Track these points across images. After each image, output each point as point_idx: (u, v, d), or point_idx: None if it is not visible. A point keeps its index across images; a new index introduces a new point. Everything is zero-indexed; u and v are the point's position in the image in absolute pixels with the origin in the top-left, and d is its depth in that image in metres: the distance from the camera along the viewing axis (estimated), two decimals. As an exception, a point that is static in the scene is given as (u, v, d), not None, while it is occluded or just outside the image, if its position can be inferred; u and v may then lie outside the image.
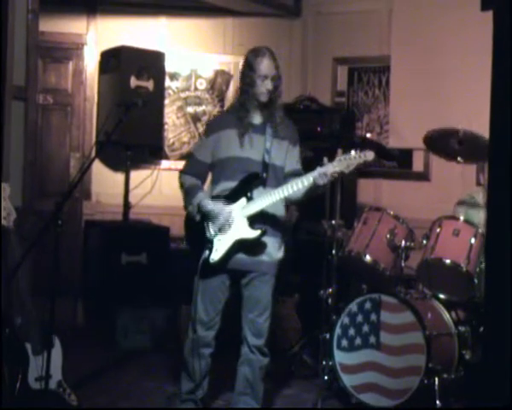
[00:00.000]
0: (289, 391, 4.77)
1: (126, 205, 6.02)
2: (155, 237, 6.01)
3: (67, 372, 4.01)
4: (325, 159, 3.80)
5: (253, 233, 3.84)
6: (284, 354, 5.21)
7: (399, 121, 6.35)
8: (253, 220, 3.85)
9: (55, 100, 6.47)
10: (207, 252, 3.86)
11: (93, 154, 5.95)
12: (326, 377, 4.60)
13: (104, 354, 5.33)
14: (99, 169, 6.42)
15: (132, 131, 5.74)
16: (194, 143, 4.11)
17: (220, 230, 3.86)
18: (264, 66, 3.89)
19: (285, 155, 3.98)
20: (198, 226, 3.93)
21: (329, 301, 4.85)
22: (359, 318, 4.50)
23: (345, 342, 4.52)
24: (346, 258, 4.83)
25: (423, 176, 6.34)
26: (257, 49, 3.97)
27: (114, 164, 6.42)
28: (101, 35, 6.51)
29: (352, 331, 4.50)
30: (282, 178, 3.94)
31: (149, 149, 6.54)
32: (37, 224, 4.68)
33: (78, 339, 5.46)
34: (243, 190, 3.87)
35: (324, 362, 4.67)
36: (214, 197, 3.93)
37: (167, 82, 6.60)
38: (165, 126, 6.64)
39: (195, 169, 4.03)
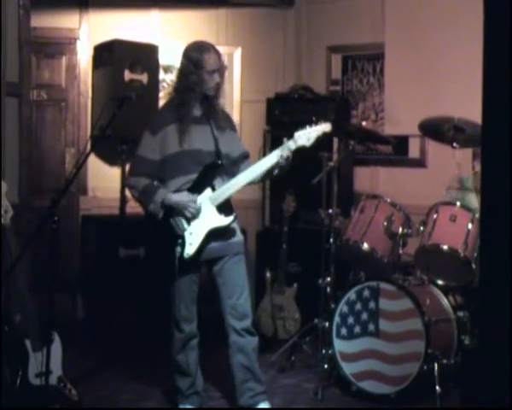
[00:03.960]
0: (289, 381, 4.78)
1: (123, 199, 6.00)
2: (153, 231, 5.99)
3: (67, 368, 4.03)
4: (284, 139, 3.86)
5: (225, 220, 3.90)
6: (284, 344, 5.22)
7: (394, 108, 6.33)
8: (221, 207, 3.90)
9: (48, 95, 6.44)
10: (179, 248, 3.86)
11: (88, 149, 5.94)
12: (326, 366, 4.61)
13: (104, 348, 5.34)
14: (95, 164, 6.39)
15: (127, 124, 5.70)
16: (139, 145, 4.07)
17: (190, 223, 3.87)
18: (212, 61, 3.92)
19: (229, 142, 4.04)
20: (162, 225, 3.93)
21: (328, 289, 4.86)
22: (358, 306, 4.51)
23: (344, 331, 4.53)
24: (343, 246, 4.84)
25: (419, 162, 6.34)
26: (199, 46, 3.98)
27: (110, 158, 6.40)
28: (93, 29, 6.48)
29: (350, 319, 4.51)
30: (231, 164, 4.01)
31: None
32: (34, 220, 4.69)
33: (77, 334, 5.48)
34: (206, 181, 3.90)
35: (324, 351, 4.69)
36: (175, 192, 3.93)
37: (161, 75, 6.56)
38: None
39: (145, 169, 3.99)
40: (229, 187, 3.90)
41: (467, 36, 5.59)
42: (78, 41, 6.50)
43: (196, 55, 3.93)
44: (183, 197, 3.88)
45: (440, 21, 6.00)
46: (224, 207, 3.92)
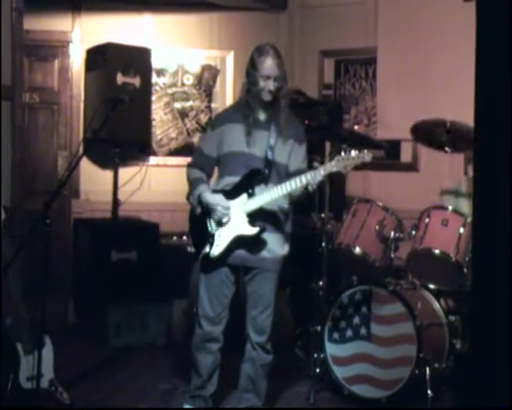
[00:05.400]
0: (281, 384, 4.77)
1: (115, 202, 6.00)
2: (145, 234, 6.00)
3: (59, 371, 4.02)
4: (315, 163, 3.80)
5: (251, 230, 3.83)
6: (276, 348, 5.21)
7: (387, 113, 6.35)
8: (254, 217, 3.84)
9: (41, 98, 6.44)
10: (208, 246, 3.87)
11: (81, 152, 5.94)
12: (318, 370, 4.61)
13: (96, 351, 5.32)
14: (87, 167, 6.39)
15: (120, 127, 5.72)
16: (201, 137, 4.08)
17: (220, 224, 3.86)
18: (267, 66, 3.85)
19: (289, 153, 3.95)
20: (201, 220, 3.92)
21: (320, 293, 4.86)
22: (350, 310, 4.52)
23: (336, 335, 4.53)
24: (335, 250, 4.84)
25: (411, 167, 6.36)
26: (261, 48, 3.92)
27: (102, 161, 6.40)
28: (86, 32, 6.48)
29: (342, 323, 4.52)
30: (285, 176, 3.90)
31: (137, 146, 6.52)
32: (27, 223, 4.68)
33: (69, 337, 5.45)
34: (245, 186, 3.85)
35: (316, 355, 4.68)
36: (216, 191, 3.91)
37: (154, 78, 6.58)
38: (153, 122, 6.63)
39: (200, 162, 4.01)
40: (261, 199, 3.82)
41: (459, 40, 5.61)
42: (70, 44, 6.51)
43: (255, 57, 3.90)
44: (214, 199, 3.86)
45: (433, 26, 6.03)
46: (258, 218, 3.85)
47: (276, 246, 3.95)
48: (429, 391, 4.24)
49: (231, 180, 3.90)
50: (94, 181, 6.49)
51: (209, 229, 3.89)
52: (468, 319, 4.48)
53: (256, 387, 4.03)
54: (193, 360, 4.08)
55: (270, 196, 3.81)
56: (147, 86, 6.25)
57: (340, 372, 4.48)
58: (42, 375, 3.68)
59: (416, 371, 4.26)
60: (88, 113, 6.29)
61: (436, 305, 4.61)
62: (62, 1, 6.47)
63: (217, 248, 3.86)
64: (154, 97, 6.61)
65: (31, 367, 3.74)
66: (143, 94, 6.18)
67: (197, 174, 3.99)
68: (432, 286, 4.70)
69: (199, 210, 3.92)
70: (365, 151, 3.81)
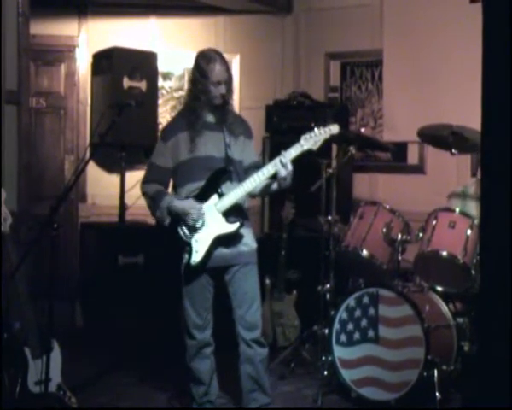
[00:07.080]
0: (289, 388, 4.77)
1: (122, 206, 6.01)
2: (152, 238, 6.00)
3: (67, 375, 4.02)
4: (282, 152, 3.82)
5: (231, 227, 3.86)
6: (283, 351, 5.21)
7: (393, 115, 6.34)
8: (228, 214, 3.87)
9: (47, 103, 6.46)
10: (187, 256, 3.86)
11: (87, 156, 5.95)
12: (325, 373, 4.60)
13: (103, 356, 5.32)
14: (94, 171, 6.41)
15: (126, 131, 5.73)
16: (153, 151, 4.09)
17: (194, 230, 3.86)
18: (217, 72, 3.91)
19: (242, 149, 4.01)
20: (172, 231, 3.92)
21: (327, 296, 4.86)
22: (357, 312, 4.50)
23: (343, 337, 4.52)
24: (343, 253, 4.84)
25: (418, 169, 6.34)
26: (207, 55, 3.98)
27: (109, 165, 6.42)
28: (92, 37, 6.51)
29: (350, 326, 4.51)
30: (242, 171, 3.97)
31: (144, 150, 6.52)
32: (34, 228, 4.69)
33: (76, 342, 5.46)
34: (213, 187, 3.88)
35: (323, 358, 4.69)
36: (183, 199, 3.93)
37: (160, 82, 6.59)
38: (160, 126, 6.63)
39: (157, 176, 4.01)
40: (233, 194, 3.86)
41: (465, 42, 5.60)
42: (77, 48, 6.53)
43: (203, 65, 3.93)
44: (185, 204, 3.87)
45: (439, 28, 6.01)
46: (232, 214, 3.88)
47: (250, 239, 4.01)
48: (437, 393, 4.22)
49: (195, 186, 3.92)
50: (101, 185, 6.50)
51: (183, 238, 3.88)
52: (476, 321, 4.47)
53: (260, 385, 4.02)
54: (191, 372, 4.08)
55: (242, 190, 3.85)
56: (153, 90, 6.26)
57: (347, 375, 4.47)
58: (50, 379, 3.68)
59: (424, 374, 4.24)
60: (94, 117, 6.31)
61: (444, 307, 4.59)
62: (68, 6, 6.49)
63: (197, 255, 3.85)
64: (160, 101, 6.62)
65: (39, 371, 3.74)
66: (150, 98, 6.19)
67: (156, 188, 3.98)
68: (439, 288, 4.69)
69: (167, 222, 3.91)
70: (331, 124, 3.86)
